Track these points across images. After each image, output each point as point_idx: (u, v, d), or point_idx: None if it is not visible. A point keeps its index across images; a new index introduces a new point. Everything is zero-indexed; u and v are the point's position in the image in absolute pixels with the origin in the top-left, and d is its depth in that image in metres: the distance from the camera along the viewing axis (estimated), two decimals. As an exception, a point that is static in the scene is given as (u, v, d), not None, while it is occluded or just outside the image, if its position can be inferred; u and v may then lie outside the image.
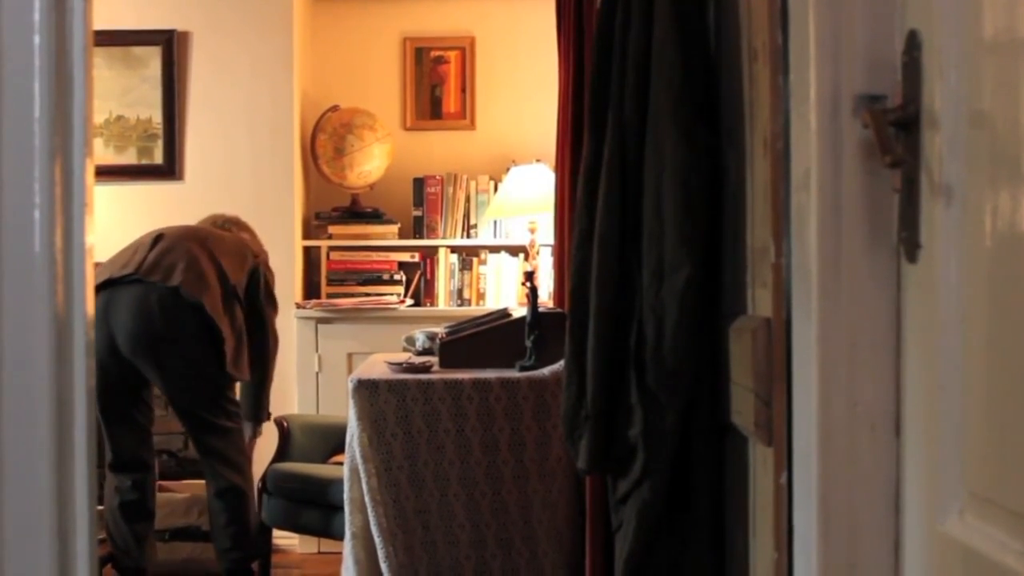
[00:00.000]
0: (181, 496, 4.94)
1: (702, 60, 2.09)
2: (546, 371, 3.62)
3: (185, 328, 4.31)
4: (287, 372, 5.50)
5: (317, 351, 5.49)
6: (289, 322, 5.42)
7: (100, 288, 4.29)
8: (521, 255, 5.65)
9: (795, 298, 1.54)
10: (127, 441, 4.47)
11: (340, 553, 3.79)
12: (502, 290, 5.69)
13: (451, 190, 5.77)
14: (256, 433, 4.70)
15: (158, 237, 4.47)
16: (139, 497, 4.47)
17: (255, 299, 4.58)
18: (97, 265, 4.03)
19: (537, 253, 5.42)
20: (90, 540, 1.46)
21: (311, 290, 5.73)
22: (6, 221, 1.39)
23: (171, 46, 5.62)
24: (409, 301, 5.65)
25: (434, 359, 3.93)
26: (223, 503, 4.44)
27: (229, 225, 4.81)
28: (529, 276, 3.96)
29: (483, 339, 3.90)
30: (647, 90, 2.10)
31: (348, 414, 3.61)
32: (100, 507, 4.27)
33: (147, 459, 4.53)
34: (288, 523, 4.62)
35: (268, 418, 4.74)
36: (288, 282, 5.52)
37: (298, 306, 5.52)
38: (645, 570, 2.13)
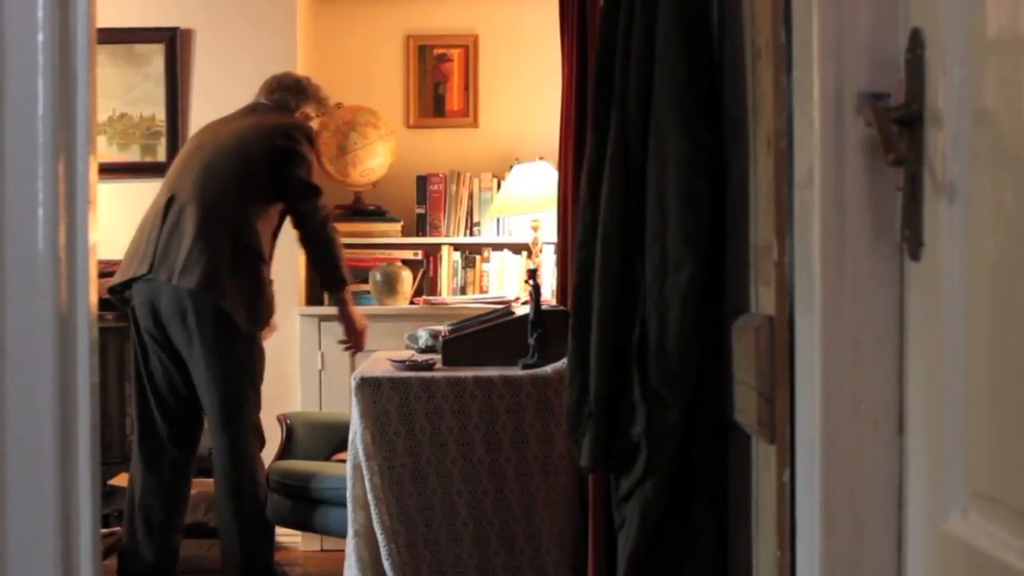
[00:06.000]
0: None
1: (705, 58, 2.08)
2: (549, 369, 3.62)
3: (207, 326, 4.29)
4: (290, 369, 5.50)
5: (320, 348, 5.49)
6: (292, 320, 5.42)
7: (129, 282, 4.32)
8: (524, 253, 5.65)
9: (798, 296, 1.54)
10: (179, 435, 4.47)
11: (343, 551, 3.79)
12: (505, 288, 5.69)
13: (454, 188, 5.77)
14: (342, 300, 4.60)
15: (167, 211, 4.34)
16: (168, 513, 4.44)
17: (284, 194, 4.48)
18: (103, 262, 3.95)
19: (540, 251, 5.42)
20: (93, 533, 1.46)
21: (314, 288, 5.72)
22: (9, 218, 1.39)
23: (174, 43, 5.62)
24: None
25: (437, 357, 3.93)
26: (232, 508, 4.42)
27: (284, 97, 4.64)
28: (532, 274, 3.95)
29: (486, 337, 3.90)
30: (650, 88, 2.10)
31: (351, 411, 3.61)
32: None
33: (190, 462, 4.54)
34: (290, 521, 4.62)
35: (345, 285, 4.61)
36: (292, 280, 5.52)
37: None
38: (648, 568, 2.13)
